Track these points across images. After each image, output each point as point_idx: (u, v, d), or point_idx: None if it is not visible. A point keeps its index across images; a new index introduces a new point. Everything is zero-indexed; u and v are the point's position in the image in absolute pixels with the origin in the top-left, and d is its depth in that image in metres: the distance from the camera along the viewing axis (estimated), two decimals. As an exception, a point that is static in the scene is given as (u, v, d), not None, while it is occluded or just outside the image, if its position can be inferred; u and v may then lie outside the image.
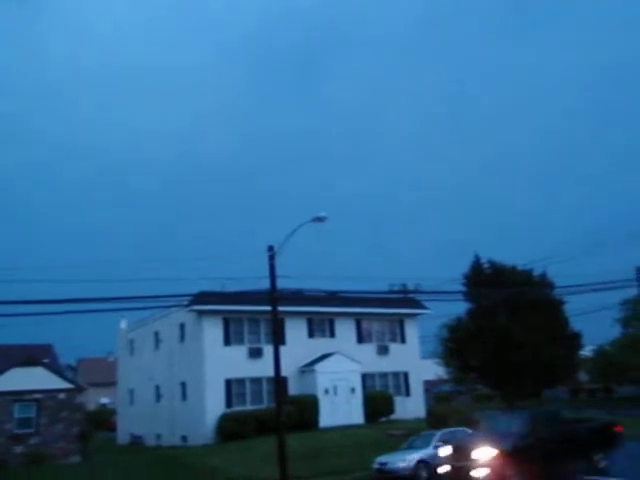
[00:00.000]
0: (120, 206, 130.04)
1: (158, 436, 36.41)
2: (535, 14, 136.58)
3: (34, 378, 29.88)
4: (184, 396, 34.08)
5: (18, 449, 29.18)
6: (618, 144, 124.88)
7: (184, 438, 33.37)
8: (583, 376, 58.49)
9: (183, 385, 34.20)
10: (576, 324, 45.18)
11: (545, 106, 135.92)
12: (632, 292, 38.87)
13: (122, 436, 42.22)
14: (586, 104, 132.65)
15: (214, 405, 31.68)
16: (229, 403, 32.22)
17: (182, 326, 34.77)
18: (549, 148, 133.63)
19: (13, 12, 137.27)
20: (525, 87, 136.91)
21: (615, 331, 50.68)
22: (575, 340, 45.73)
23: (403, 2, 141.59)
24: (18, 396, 29.66)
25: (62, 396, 30.65)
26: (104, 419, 52.59)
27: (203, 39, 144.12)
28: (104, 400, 62.78)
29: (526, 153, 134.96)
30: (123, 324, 43.28)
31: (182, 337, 34.92)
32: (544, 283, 44.62)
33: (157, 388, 37.42)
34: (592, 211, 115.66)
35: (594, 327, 45.71)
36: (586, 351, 52.57)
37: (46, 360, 31.99)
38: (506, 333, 41.90)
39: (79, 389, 32.88)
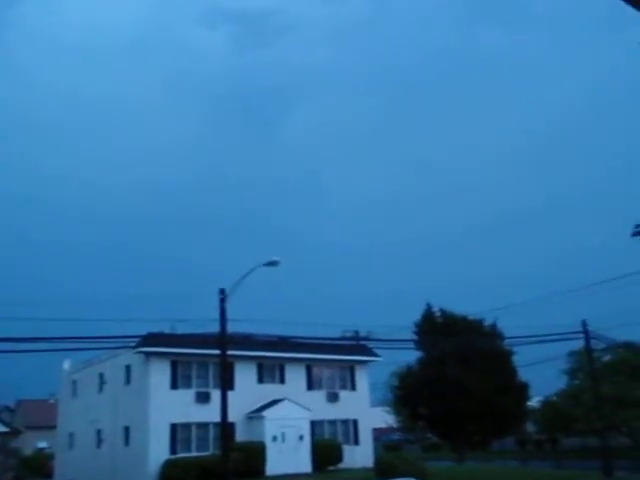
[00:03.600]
0: (69, 242, 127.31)
1: (97, 483, 34.98)
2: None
3: (-33, 420, 28.54)
4: (127, 441, 32.94)
5: (-55, 496, 27.66)
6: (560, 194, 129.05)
7: (124, 486, 32.14)
8: (530, 427, 58.98)
9: (126, 429, 33.09)
10: (524, 375, 45.85)
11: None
12: (578, 344, 39.67)
13: (59, 483, 40.43)
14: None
15: (158, 451, 30.67)
16: (174, 449, 31.24)
17: (128, 368, 33.85)
18: (498, 206, 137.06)
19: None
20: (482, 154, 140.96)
21: (561, 382, 51.51)
22: (523, 391, 46.34)
23: (365, 47, 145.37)
24: (-51, 439, 28.26)
25: (-3, 439, 29.32)
26: (41, 464, 50.34)
27: (159, 75, 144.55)
28: (42, 444, 60.24)
29: (478, 202, 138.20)
30: (66, 365, 41.88)
31: (128, 379, 33.97)
32: (494, 333, 45.32)
33: (99, 432, 36.11)
34: (542, 264, 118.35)
35: (542, 378, 46.38)
36: (534, 402, 53.18)
37: (-19, 401, 30.65)
38: (456, 382, 42.18)
39: (15, 432, 31.53)
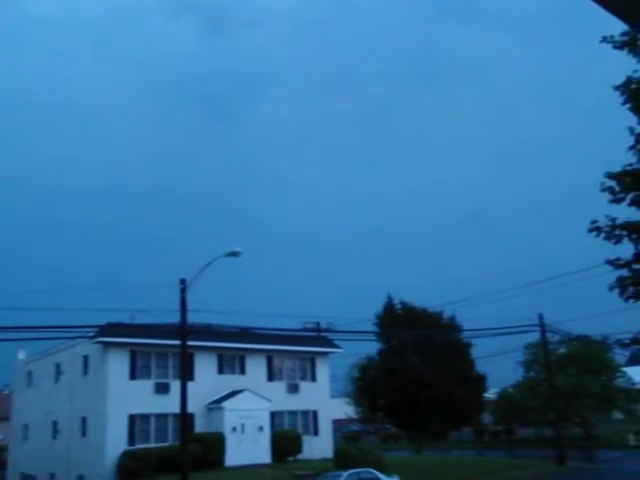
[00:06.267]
0: (30, 232, 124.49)
1: (52, 476, 34.40)
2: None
3: None
4: (84, 432, 32.45)
5: None
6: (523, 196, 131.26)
7: (80, 478, 31.66)
8: (487, 417, 59.98)
9: (83, 420, 32.60)
10: (482, 367, 46.59)
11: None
12: (534, 337, 40.45)
13: (12, 475, 39.60)
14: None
15: (115, 442, 30.29)
16: (132, 440, 30.90)
17: (86, 358, 33.32)
18: (461, 195, 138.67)
19: None
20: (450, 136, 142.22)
21: (517, 374, 52.49)
22: (480, 382, 47.02)
23: (328, 43, 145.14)
24: None
25: (-52, 431, 28.56)
26: (-7, 457, 49.27)
27: (122, 78, 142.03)
28: (-5, 436, 58.95)
29: (439, 193, 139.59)
30: (21, 355, 41.02)
31: (85, 370, 33.44)
32: (453, 326, 45.85)
33: (55, 423, 35.48)
34: (502, 257, 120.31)
35: (498, 370, 47.22)
36: (490, 393, 54.07)
37: None
38: (416, 374, 42.60)
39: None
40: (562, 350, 48.55)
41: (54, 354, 36.44)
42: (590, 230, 14.08)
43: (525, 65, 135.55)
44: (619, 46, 13.61)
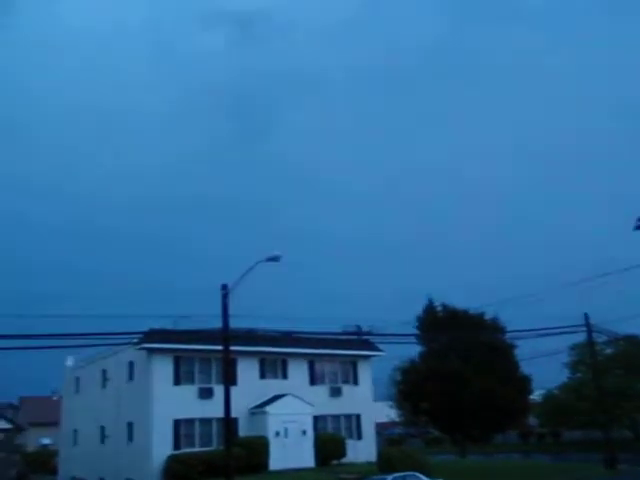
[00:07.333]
0: (72, 242, 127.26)
1: (101, 479, 35.11)
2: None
3: (-29, 417, 28.58)
4: (130, 437, 33.04)
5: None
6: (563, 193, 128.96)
7: (128, 481, 32.23)
8: (533, 420, 59.10)
9: (130, 425, 33.19)
10: (526, 368, 45.88)
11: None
12: (580, 337, 39.66)
13: (63, 479, 40.55)
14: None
15: (161, 446, 30.75)
16: (177, 444, 31.33)
17: (131, 364, 33.94)
18: (499, 195, 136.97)
19: None
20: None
21: (563, 376, 51.60)
22: (525, 384, 46.36)
23: (359, 47, 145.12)
24: (-47, 436, 28.32)
25: (0, 436, 29.39)
26: (45, 461, 50.53)
27: (169, 84, 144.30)
28: (46, 441, 60.40)
29: (479, 195, 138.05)
30: (69, 361, 42.00)
31: (131, 376, 34.06)
32: (495, 327, 45.33)
33: (102, 429, 36.21)
34: (544, 258, 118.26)
35: (543, 372, 46.41)
36: (535, 395, 53.24)
37: (-15, 398, 30.73)
38: (458, 376, 42.24)
39: (18, 429, 31.61)
40: (609, 350, 47.54)
41: (100, 360, 37.21)
42: (636, 228, 13.81)
43: (564, 66, 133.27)
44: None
